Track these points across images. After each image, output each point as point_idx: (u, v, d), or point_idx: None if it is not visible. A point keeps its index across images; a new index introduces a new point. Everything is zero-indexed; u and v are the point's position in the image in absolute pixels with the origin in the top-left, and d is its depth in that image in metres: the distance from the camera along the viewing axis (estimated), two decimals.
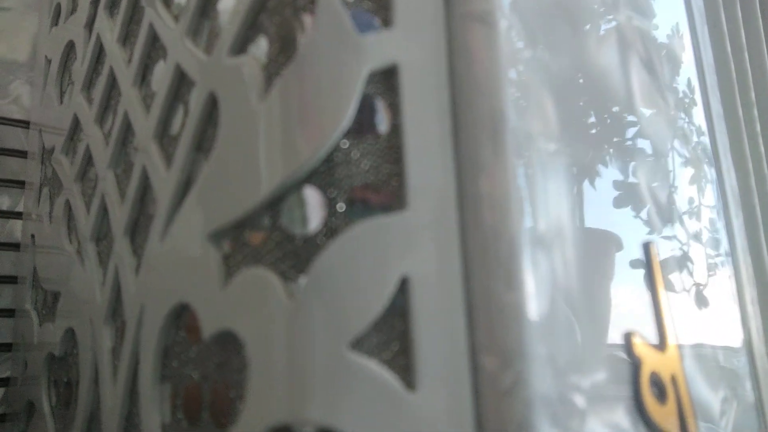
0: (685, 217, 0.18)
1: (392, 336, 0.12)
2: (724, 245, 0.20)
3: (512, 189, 0.13)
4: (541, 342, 0.13)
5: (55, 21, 0.32)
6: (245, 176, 0.14)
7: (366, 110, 0.13)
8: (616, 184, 0.17)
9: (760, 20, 0.28)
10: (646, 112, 0.18)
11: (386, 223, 0.13)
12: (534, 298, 0.13)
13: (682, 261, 0.18)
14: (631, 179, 0.17)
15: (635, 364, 0.15)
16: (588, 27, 0.17)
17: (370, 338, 0.12)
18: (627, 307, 0.15)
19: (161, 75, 0.19)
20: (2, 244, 0.33)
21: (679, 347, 0.16)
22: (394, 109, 0.14)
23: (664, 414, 0.15)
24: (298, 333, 0.12)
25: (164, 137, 0.19)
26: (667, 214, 0.18)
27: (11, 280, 0.32)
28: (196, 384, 0.15)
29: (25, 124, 0.34)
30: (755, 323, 0.20)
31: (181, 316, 0.16)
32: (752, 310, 0.20)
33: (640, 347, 0.15)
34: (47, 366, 0.26)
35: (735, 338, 0.19)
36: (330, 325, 0.12)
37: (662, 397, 0.15)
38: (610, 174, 0.17)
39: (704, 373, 0.17)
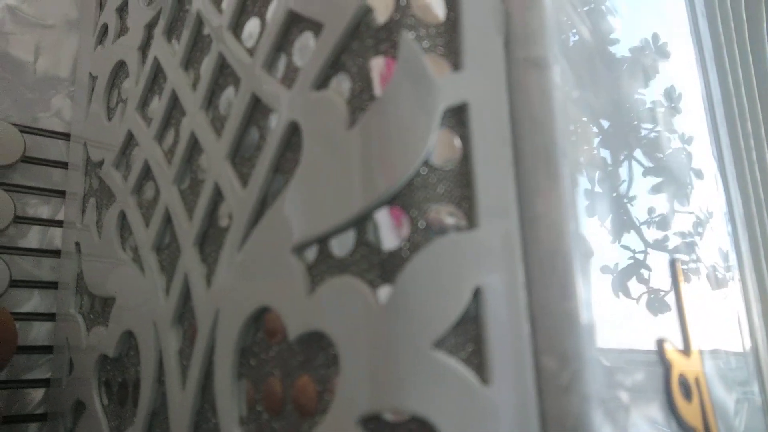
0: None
1: (468, 338, 0.14)
2: (732, 264, 0.22)
3: (566, 210, 0.15)
4: (592, 345, 0.15)
5: (101, 40, 0.34)
6: (331, 196, 0.16)
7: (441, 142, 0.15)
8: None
9: (750, 55, 0.30)
10: (668, 143, 0.20)
11: (461, 240, 0.15)
12: (586, 306, 0.15)
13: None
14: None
15: (667, 367, 0.17)
16: (620, 68, 0.19)
17: (449, 340, 0.14)
18: (661, 318, 0.17)
19: (233, 101, 0.21)
20: (44, 251, 0.34)
21: (701, 353, 0.18)
22: (465, 140, 0.16)
23: (690, 411, 0.17)
24: (388, 333, 0.14)
25: (236, 158, 0.21)
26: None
27: (51, 285, 0.34)
28: (277, 380, 0.17)
29: (65, 136, 0.36)
30: (762, 335, 0.22)
31: (260, 319, 0.18)
32: (759, 322, 0.22)
33: (671, 353, 0.17)
34: (98, 367, 0.27)
35: (744, 344, 0.22)
36: (414, 327, 0.14)
37: (689, 396, 0.17)
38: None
39: (720, 376, 0.19)
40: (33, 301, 0.34)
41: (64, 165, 0.35)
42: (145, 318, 0.24)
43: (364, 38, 0.16)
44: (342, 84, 0.17)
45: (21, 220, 0.34)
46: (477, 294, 0.14)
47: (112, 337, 0.26)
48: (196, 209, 0.22)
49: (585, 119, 0.17)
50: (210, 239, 0.21)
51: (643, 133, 0.20)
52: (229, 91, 0.22)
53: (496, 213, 0.15)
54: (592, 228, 0.19)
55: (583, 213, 0.16)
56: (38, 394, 0.33)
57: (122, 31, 0.32)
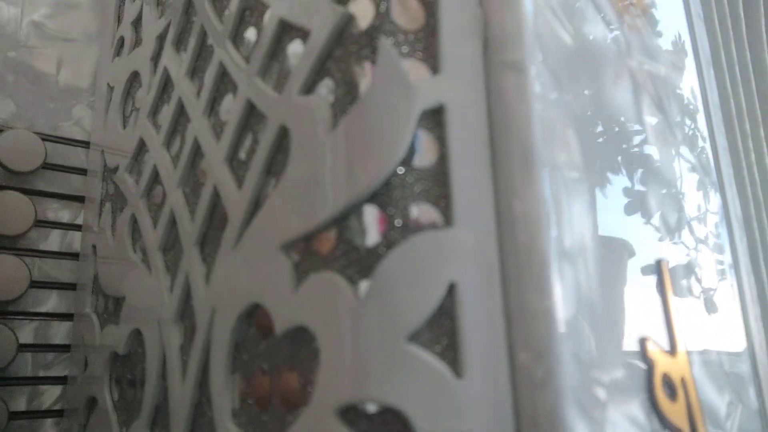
0: (694, 223, 0.21)
1: (442, 333, 0.15)
2: (727, 264, 0.22)
3: (542, 210, 0.16)
4: (567, 341, 0.15)
5: (118, 52, 0.36)
6: (314, 196, 0.17)
7: (419, 143, 0.16)
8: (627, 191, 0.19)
9: (749, 55, 0.30)
10: (658, 145, 0.20)
11: (436, 237, 0.15)
12: (561, 303, 0.15)
13: (690, 267, 0.20)
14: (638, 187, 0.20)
15: (649, 366, 0.17)
16: (604, 71, 0.20)
17: (424, 334, 0.15)
18: (642, 312, 0.17)
19: (231, 107, 0.22)
20: (63, 254, 0.36)
21: (688, 353, 0.18)
22: (442, 141, 0.16)
23: (674, 410, 0.17)
24: (364, 327, 0.15)
25: (234, 161, 0.21)
26: (676, 221, 0.20)
27: (70, 286, 0.35)
28: (265, 373, 0.18)
29: (85, 144, 0.37)
30: (758, 338, 0.22)
31: (252, 316, 0.19)
32: (756, 326, 0.22)
33: (653, 352, 0.17)
34: (110, 365, 0.28)
35: (740, 350, 0.21)
36: (390, 321, 0.15)
37: (673, 396, 0.17)
38: (620, 181, 0.19)
39: (711, 378, 0.19)
40: (52, 302, 0.35)
41: (83, 171, 0.37)
42: (151, 316, 0.25)
43: (347, 44, 0.17)
44: (327, 89, 0.17)
45: (42, 224, 0.35)
46: (451, 290, 0.15)
47: (122, 335, 0.27)
48: (196, 211, 0.22)
49: (563, 120, 0.17)
50: (210, 240, 0.22)
51: (636, 139, 0.20)
52: (229, 98, 0.23)
53: (473, 212, 0.16)
54: (635, 226, 0.19)
55: (565, 212, 0.17)
56: (56, 391, 0.35)
57: (137, 43, 0.33)
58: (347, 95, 0.17)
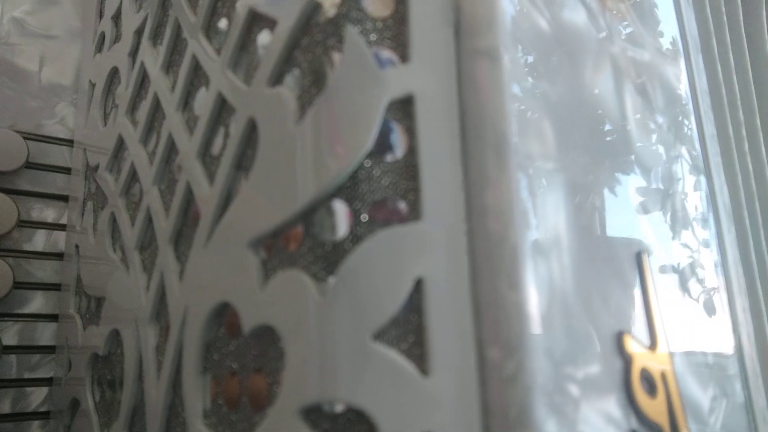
0: (695, 224, 0.20)
1: (409, 329, 0.14)
2: (715, 256, 0.21)
3: (514, 201, 0.15)
4: (539, 336, 0.14)
5: (99, 48, 0.35)
6: (281, 191, 0.16)
7: (386, 134, 0.15)
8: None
9: (745, 42, 0.30)
10: (639, 133, 0.20)
11: (403, 232, 0.15)
12: (534, 297, 0.15)
13: (693, 268, 0.19)
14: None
15: (626, 361, 0.16)
16: (584, 58, 0.19)
17: (390, 331, 0.14)
18: (622, 307, 0.17)
19: (203, 101, 0.22)
20: (47, 254, 0.35)
21: (670, 349, 0.18)
22: (411, 132, 0.16)
23: (653, 406, 0.16)
24: (329, 325, 0.14)
25: (206, 156, 0.21)
26: (681, 221, 0.20)
27: (55, 287, 0.35)
28: (235, 373, 0.17)
29: (69, 143, 0.37)
30: (746, 330, 0.21)
31: (222, 314, 0.18)
32: (743, 318, 0.22)
33: (631, 347, 0.17)
34: (91, 365, 0.28)
35: (727, 345, 0.21)
36: (355, 318, 0.14)
37: (652, 392, 0.17)
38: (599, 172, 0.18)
39: (694, 372, 0.19)
40: (37, 303, 0.35)
41: (67, 170, 0.37)
42: (128, 316, 0.24)
43: (314, 33, 0.17)
44: (295, 80, 0.17)
45: (26, 224, 0.35)
46: (419, 285, 0.14)
47: (102, 335, 0.27)
48: (171, 208, 0.22)
49: (538, 110, 0.17)
50: (185, 237, 0.22)
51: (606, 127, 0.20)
52: (203, 92, 0.22)
53: (442, 205, 0.15)
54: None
55: (539, 204, 0.16)
56: (43, 393, 0.34)
57: (117, 38, 0.33)
58: (314, 86, 0.16)
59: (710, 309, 0.21)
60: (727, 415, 0.19)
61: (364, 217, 0.15)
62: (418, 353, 0.14)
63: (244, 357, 0.17)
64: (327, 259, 0.15)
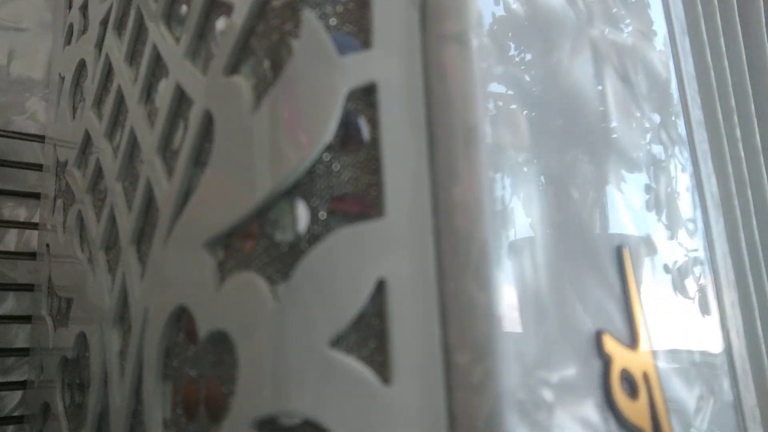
0: (689, 224, 0.19)
1: (370, 334, 0.13)
2: (702, 249, 0.21)
3: (484, 197, 0.14)
4: (509, 339, 0.14)
5: (68, 40, 0.34)
6: (237, 188, 0.15)
7: (346, 125, 0.14)
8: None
9: (739, 27, 0.28)
10: (621, 120, 0.19)
11: (364, 230, 0.14)
12: (504, 298, 0.14)
13: (690, 266, 0.19)
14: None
15: (605, 361, 0.15)
16: (561, 42, 0.18)
17: (349, 337, 0.13)
18: (601, 308, 0.16)
19: (163, 92, 0.21)
20: (20, 254, 0.34)
21: (653, 347, 0.17)
22: (373, 123, 0.15)
23: (635, 409, 0.16)
24: (283, 332, 0.13)
25: (167, 151, 0.20)
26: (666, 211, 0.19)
27: (28, 288, 0.34)
28: (193, 381, 0.16)
29: (40, 138, 0.36)
30: (735, 325, 0.21)
31: (181, 319, 0.17)
32: (732, 312, 0.21)
33: (611, 345, 0.16)
34: (61, 369, 0.27)
35: (714, 342, 0.20)
36: (312, 324, 0.13)
37: (633, 393, 0.16)
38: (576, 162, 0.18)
39: (679, 371, 0.18)
40: (9, 304, 0.34)
41: (39, 167, 0.35)
42: (95, 319, 0.23)
43: (270, 19, 0.16)
44: (251, 68, 0.16)
45: None
46: (380, 286, 0.13)
47: (70, 337, 0.26)
48: (132, 206, 0.21)
49: (511, 98, 0.16)
50: (146, 237, 0.21)
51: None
52: (164, 84, 0.21)
53: (406, 200, 0.14)
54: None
55: (511, 199, 0.15)
56: (17, 396, 0.33)
57: (85, 29, 0.31)
58: (271, 74, 0.15)
59: (705, 308, 0.20)
60: (715, 414, 0.18)
61: (322, 215, 0.14)
62: (380, 360, 0.13)
63: (201, 364, 0.16)
64: (282, 260, 0.14)
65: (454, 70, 0.15)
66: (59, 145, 0.32)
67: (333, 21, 0.15)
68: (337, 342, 0.13)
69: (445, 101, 0.15)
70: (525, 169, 0.16)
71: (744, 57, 0.28)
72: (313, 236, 0.14)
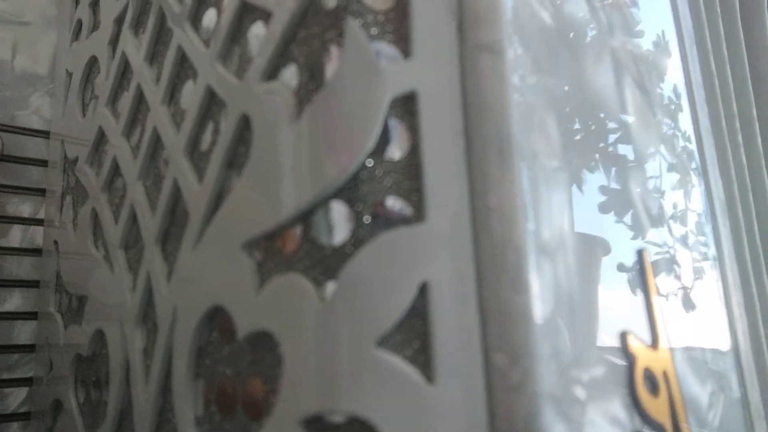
0: (671, 221, 0.20)
1: (413, 335, 0.14)
2: (712, 251, 0.21)
3: (518, 202, 0.15)
4: (545, 340, 0.14)
5: (76, 36, 0.34)
6: (278, 191, 0.15)
7: (389, 133, 0.15)
8: (603, 189, 0.19)
9: (741, 32, 0.29)
10: (636, 124, 0.20)
11: (407, 234, 0.14)
12: (539, 301, 0.14)
13: (670, 264, 0.19)
14: (614, 185, 0.19)
15: (630, 361, 0.16)
16: (585, 52, 0.19)
17: (394, 337, 0.14)
18: (621, 309, 0.17)
19: (191, 94, 0.21)
20: (24, 250, 0.34)
21: (671, 346, 0.18)
22: (414, 131, 0.15)
23: (656, 406, 0.16)
24: (330, 332, 0.14)
25: (195, 152, 0.20)
26: (655, 218, 0.20)
27: (33, 284, 0.34)
28: (229, 380, 0.17)
29: (45, 134, 0.35)
30: (741, 325, 0.21)
31: (214, 318, 0.18)
32: (738, 313, 0.22)
33: (634, 346, 0.16)
34: (74, 366, 0.27)
35: (723, 341, 0.21)
36: (358, 325, 0.14)
37: (655, 391, 0.17)
38: (597, 179, 0.18)
39: (693, 370, 0.19)
40: (14, 300, 0.34)
41: (44, 163, 0.35)
42: (113, 317, 0.23)
43: (311, 26, 0.16)
44: (291, 75, 0.16)
45: (1, 219, 0.34)
46: (423, 289, 0.14)
47: (85, 335, 0.26)
48: (157, 206, 0.21)
49: (542, 106, 0.16)
50: (172, 237, 0.21)
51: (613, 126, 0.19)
52: (189, 85, 0.21)
53: (446, 205, 0.15)
54: (609, 224, 0.19)
55: (544, 204, 0.16)
56: (22, 393, 0.33)
57: (95, 26, 0.31)
58: (312, 81, 0.16)
59: (688, 305, 0.21)
60: (725, 410, 0.19)
61: (367, 219, 0.14)
62: (423, 360, 0.14)
63: (238, 363, 0.16)
64: (327, 262, 0.14)
65: (489, 78, 0.15)
66: (68, 142, 0.32)
67: (374, 30, 0.15)
68: (383, 342, 0.14)
69: (481, 109, 0.15)
70: (557, 176, 0.16)
71: (746, 62, 0.28)
72: (358, 240, 0.14)
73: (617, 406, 0.15)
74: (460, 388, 0.13)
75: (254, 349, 0.16)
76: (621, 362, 0.16)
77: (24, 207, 0.35)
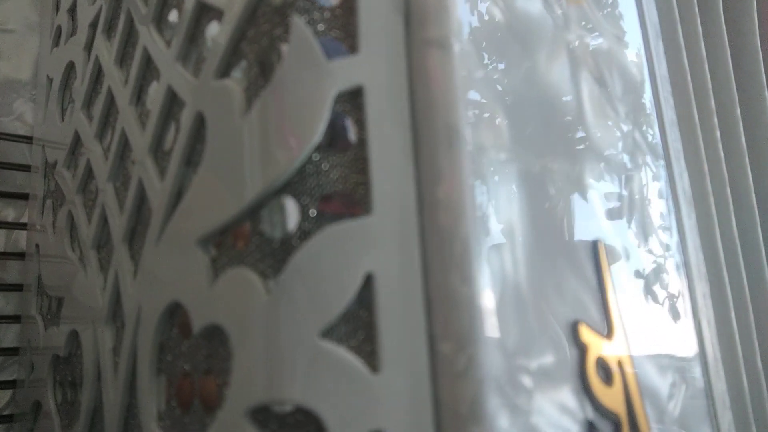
0: (631, 213, 0.20)
1: (359, 326, 0.14)
2: (675, 242, 0.22)
3: (466, 194, 0.15)
4: (491, 329, 0.14)
5: (56, 42, 0.34)
6: (229, 187, 0.16)
7: (335, 126, 0.15)
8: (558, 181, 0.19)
9: (725, 33, 0.29)
10: (594, 117, 0.20)
11: (353, 227, 0.14)
12: (486, 290, 0.15)
13: (628, 254, 0.19)
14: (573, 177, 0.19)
15: (581, 350, 0.16)
16: (538, 47, 0.19)
17: (339, 328, 0.14)
18: (574, 300, 0.17)
19: (155, 95, 0.21)
20: (8, 254, 0.35)
21: (628, 336, 0.18)
22: (360, 125, 0.15)
23: (610, 394, 0.17)
24: (275, 324, 0.14)
25: (158, 152, 0.20)
26: (614, 210, 0.20)
27: (17, 287, 0.34)
28: (187, 374, 0.17)
29: (28, 139, 0.36)
30: (706, 315, 0.22)
31: (175, 314, 0.18)
32: (703, 303, 0.22)
33: (587, 335, 0.17)
34: (53, 367, 0.27)
35: (686, 332, 0.21)
36: (303, 316, 0.14)
37: (608, 380, 0.17)
38: (555, 162, 0.18)
39: (653, 359, 0.19)
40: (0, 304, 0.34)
41: (27, 168, 0.36)
42: (87, 317, 0.24)
43: (261, 24, 0.16)
44: (242, 72, 0.17)
45: None
46: (368, 280, 0.14)
47: (62, 336, 0.26)
48: (124, 205, 0.21)
49: (491, 100, 0.17)
50: (138, 235, 0.21)
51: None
52: (155, 86, 0.22)
53: (393, 198, 0.15)
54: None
55: (492, 197, 0.16)
56: (6, 395, 0.34)
57: (73, 31, 0.32)
58: (261, 78, 0.16)
59: (675, 313, 0.21)
60: (687, 400, 0.19)
61: (313, 212, 0.15)
62: (368, 350, 0.14)
63: (195, 358, 0.17)
64: (274, 256, 0.15)
65: (437, 73, 0.16)
66: (48, 146, 0.32)
67: (321, 26, 0.16)
68: (328, 333, 0.14)
69: (428, 103, 0.16)
70: (506, 169, 0.16)
71: (730, 61, 0.28)
72: (304, 233, 0.14)
73: (567, 395, 0.16)
74: (405, 376, 0.14)
75: (208, 343, 0.16)
76: (572, 351, 0.16)
77: (8, 212, 0.36)
